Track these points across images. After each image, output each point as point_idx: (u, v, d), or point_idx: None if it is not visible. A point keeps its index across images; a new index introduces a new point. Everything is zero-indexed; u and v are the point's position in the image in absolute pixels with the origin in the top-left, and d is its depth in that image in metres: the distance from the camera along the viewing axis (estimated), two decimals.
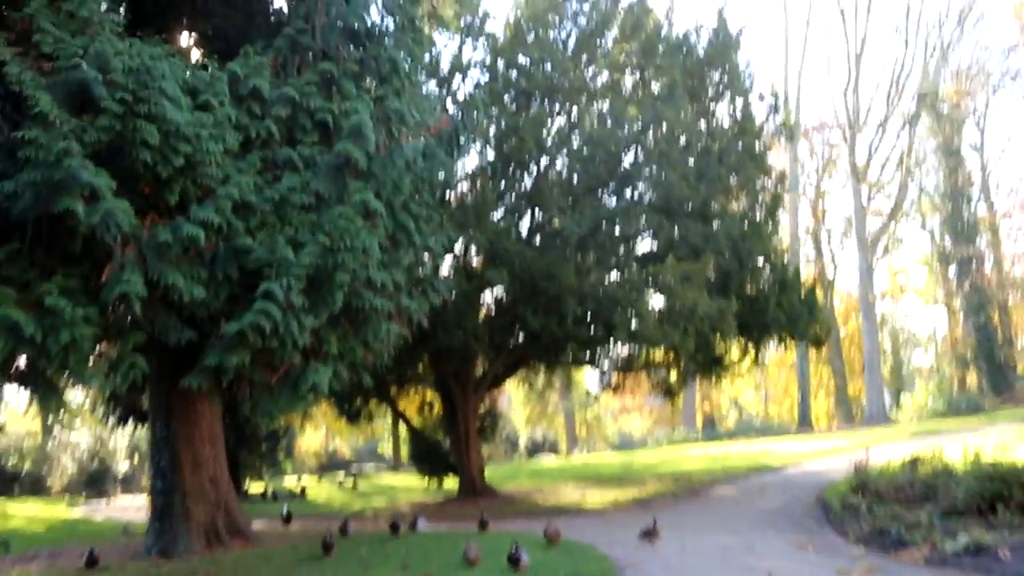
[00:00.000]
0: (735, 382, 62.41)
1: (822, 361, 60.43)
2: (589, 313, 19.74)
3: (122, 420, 19.22)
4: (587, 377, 46.77)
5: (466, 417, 22.91)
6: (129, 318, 10.33)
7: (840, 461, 27.95)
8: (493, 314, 22.31)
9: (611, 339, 20.45)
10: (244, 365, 10.66)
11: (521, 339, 22.99)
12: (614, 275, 20.64)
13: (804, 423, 51.30)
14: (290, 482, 34.05)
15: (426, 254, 12.29)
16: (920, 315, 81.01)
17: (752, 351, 24.00)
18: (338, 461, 56.71)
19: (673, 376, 26.74)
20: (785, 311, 22.05)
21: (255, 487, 30.19)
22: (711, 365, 24.85)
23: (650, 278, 19.37)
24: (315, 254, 10.59)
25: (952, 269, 59.09)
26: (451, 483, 24.44)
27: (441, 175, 14.10)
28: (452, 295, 19.34)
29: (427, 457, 24.56)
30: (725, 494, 21.42)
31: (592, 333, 20.26)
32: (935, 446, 23.73)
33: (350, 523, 16.40)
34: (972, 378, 60.28)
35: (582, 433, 64.42)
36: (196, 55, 14.22)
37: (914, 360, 77.24)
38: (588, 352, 23.57)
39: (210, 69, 11.12)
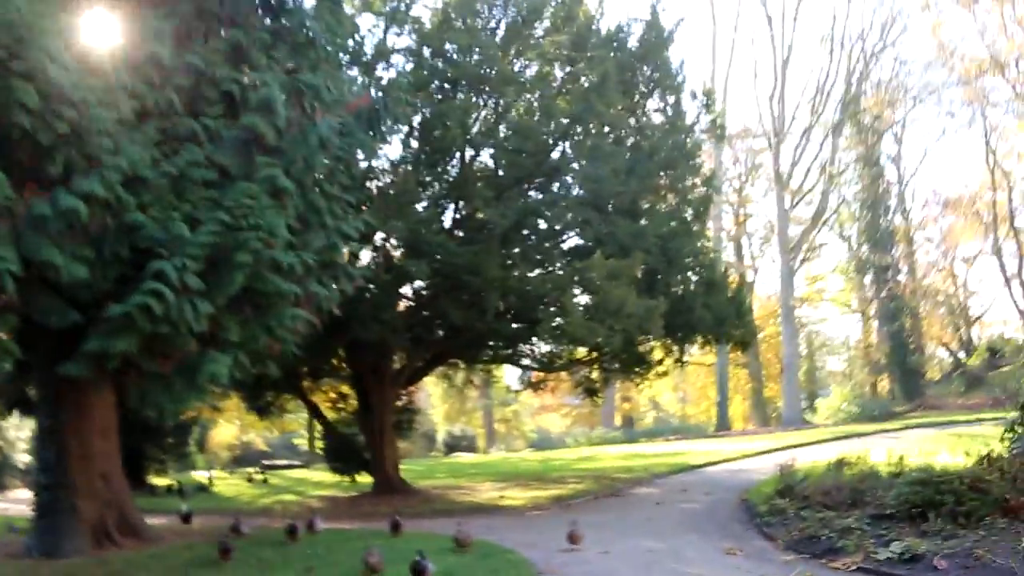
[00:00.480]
0: (654, 383, 62.42)
1: (739, 364, 60.58)
2: (512, 309, 18.98)
3: (8, 409, 17.80)
4: (508, 374, 46.22)
5: (382, 412, 21.91)
6: (3, 299, 9.22)
7: (760, 462, 27.68)
8: (413, 307, 21.39)
9: (534, 336, 19.64)
10: (132, 352, 9.61)
11: (442, 334, 22.14)
12: (539, 271, 19.86)
13: (722, 425, 51.25)
14: (199, 476, 32.56)
15: (340, 238, 11.30)
16: (834, 322, 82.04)
17: (676, 352, 23.44)
18: (252, 454, 55.11)
19: (595, 375, 26.11)
20: (712, 312, 21.48)
21: (161, 480, 28.77)
22: (635, 365, 24.25)
23: (577, 275, 18.62)
24: (214, 232, 9.59)
25: (868, 278, 59.74)
26: (366, 479, 23.43)
27: (360, 157, 13.18)
28: (371, 287, 18.41)
29: (340, 453, 23.50)
30: (647, 494, 20.80)
31: (515, 329, 19.50)
32: (856, 449, 23.60)
33: (245, 523, 15.33)
34: (884, 384, 61.01)
35: (501, 430, 63.65)
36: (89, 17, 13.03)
37: (828, 365, 78.19)
38: (510, 349, 22.82)
39: (103, 31, 10.03)
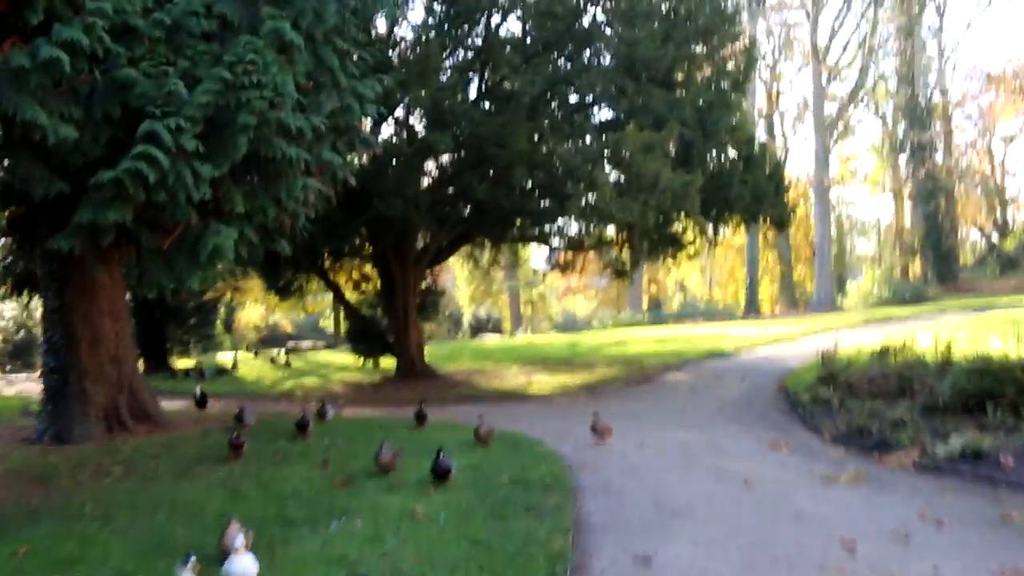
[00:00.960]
0: (683, 264, 61.32)
1: (768, 246, 59.33)
2: (540, 184, 17.88)
3: (15, 290, 17.03)
4: (534, 256, 45.24)
5: (405, 294, 21.07)
6: None
7: (795, 347, 26.77)
8: (437, 183, 20.32)
9: (563, 214, 18.53)
10: (127, 224, 8.65)
11: (467, 212, 21.13)
12: (569, 144, 18.64)
13: (751, 308, 50.28)
14: (224, 358, 32.08)
15: (355, 100, 10.14)
16: (865, 204, 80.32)
17: (711, 231, 22.32)
18: (279, 336, 54.93)
19: (625, 256, 25.09)
20: (750, 189, 20.31)
21: (183, 363, 28.31)
22: (667, 245, 23.20)
23: (608, 148, 17.44)
24: (214, 91, 8.49)
25: (903, 157, 57.90)
26: (389, 363, 22.74)
27: (380, 15, 11.93)
28: (392, 161, 17.33)
29: (363, 335, 22.77)
30: (679, 381, 20.01)
31: (543, 206, 18.43)
32: (892, 334, 22.68)
33: (259, 408, 14.73)
34: (916, 267, 59.77)
35: (527, 313, 62.96)
36: None
37: (858, 248, 76.74)
38: (537, 228, 21.79)
39: None
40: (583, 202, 17.48)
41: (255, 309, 56.25)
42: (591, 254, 26.66)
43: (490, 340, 43.08)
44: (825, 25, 51.69)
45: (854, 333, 30.00)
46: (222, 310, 54.65)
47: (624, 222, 18.66)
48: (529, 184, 17.62)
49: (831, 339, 28.23)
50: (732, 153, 20.72)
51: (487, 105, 18.94)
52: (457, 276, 66.62)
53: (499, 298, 64.90)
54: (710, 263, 66.21)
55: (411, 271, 21.00)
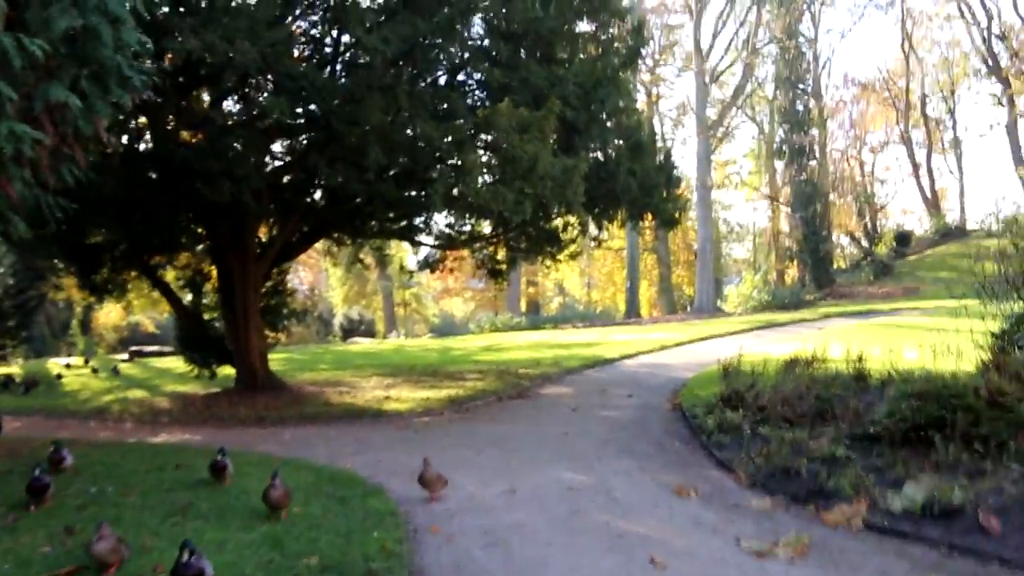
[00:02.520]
0: (562, 266, 58.99)
1: (647, 249, 57.52)
2: (402, 169, 14.82)
3: None
4: (409, 254, 42.06)
5: (245, 293, 17.67)
6: None
7: (681, 355, 24.40)
8: (282, 166, 17.07)
9: (428, 205, 15.39)
10: None
11: (318, 199, 17.94)
12: (434, 123, 15.60)
13: (632, 312, 48.12)
14: (59, 364, 27.90)
15: (103, 22, 6.91)
16: (740, 209, 79.80)
17: (594, 228, 19.67)
18: (140, 337, 50.43)
19: (501, 255, 22.26)
20: (638, 180, 17.68)
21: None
22: (546, 243, 20.45)
23: (480, 127, 14.49)
24: None
25: (780, 164, 56.87)
26: (231, 371, 19.29)
27: None
28: (217, 135, 14.03)
29: (194, 341, 19.19)
30: (559, 395, 17.22)
31: (405, 195, 15.32)
32: (785, 340, 20.63)
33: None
34: (792, 272, 58.85)
35: (401, 314, 59.50)
36: None
37: (733, 253, 76.02)
38: (402, 221, 18.70)
39: None
40: (450, 189, 14.49)
41: (113, 309, 51.46)
42: (464, 253, 23.81)
43: (360, 344, 39.78)
44: (707, 26, 50.04)
45: (742, 339, 27.88)
46: (78, 309, 49.91)
47: (498, 214, 15.78)
48: (386, 166, 14.53)
49: (718, 346, 26.12)
50: (619, 141, 18.06)
51: (339, 70, 15.80)
52: (330, 275, 62.97)
53: (374, 299, 61.49)
54: (589, 265, 64.17)
55: (252, 268, 17.58)
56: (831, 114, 59.22)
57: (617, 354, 24.16)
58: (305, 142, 15.89)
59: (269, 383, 18.30)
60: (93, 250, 17.78)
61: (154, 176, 15.08)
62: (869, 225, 60.75)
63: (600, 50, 18.23)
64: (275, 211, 17.23)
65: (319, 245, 27.49)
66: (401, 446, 12.04)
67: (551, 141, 14.93)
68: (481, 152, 14.97)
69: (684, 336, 28.89)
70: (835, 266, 55.53)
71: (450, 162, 14.31)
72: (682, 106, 58.87)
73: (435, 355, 27.22)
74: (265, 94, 14.88)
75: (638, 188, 17.75)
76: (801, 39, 52.05)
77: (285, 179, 16.94)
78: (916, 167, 64.44)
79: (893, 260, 54.32)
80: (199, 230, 18.15)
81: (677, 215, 19.81)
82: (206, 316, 20.08)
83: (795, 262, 55.21)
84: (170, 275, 20.32)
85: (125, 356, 28.41)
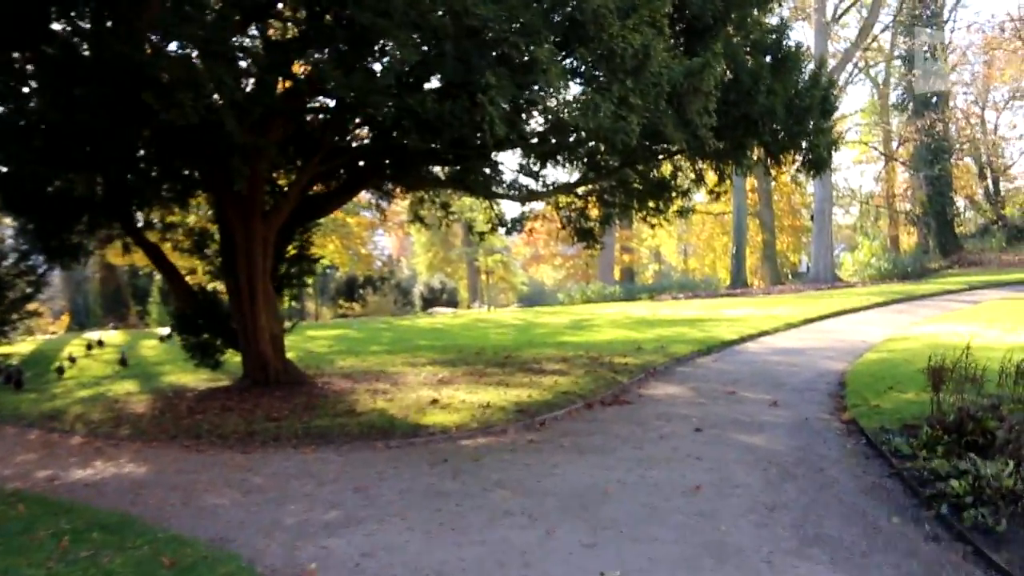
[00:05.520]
0: (663, 228, 52.88)
1: (750, 212, 51.15)
2: (440, 69, 9.57)
3: None
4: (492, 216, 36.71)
5: (251, 260, 12.64)
6: None
7: (817, 335, 18.95)
8: (293, 87, 12.00)
9: (483, 126, 9.91)
10: None
11: (347, 138, 12.92)
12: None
13: (738, 282, 42.02)
14: (84, 341, 23.02)
15: None
16: (847, 171, 72.39)
17: (720, 171, 14.19)
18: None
19: (593, 211, 16.96)
20: (783, 103, 12.15)
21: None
22: (649, 195, 15.12)
23: (556, 3, 9.19)
24: None
25: (895, 122, 49.95)
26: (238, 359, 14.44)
27: None
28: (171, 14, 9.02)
29: (193, 320, 14.29)
30: (670, 399, 11.89)
31: (444, 109, 9.84)
32: (940, 318, 15.46)
33: None
34: (910, 238, 52.11)
35: (486, 282, 53.96)
36: None
37: (837, 219, 68.89)
38: (454, 161, 13.42)
39: None
40: (515, 105, 9.22)
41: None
42: (550, 211, 18.59)
43: (436, 316, 34.86)
44: None
45: (881, 315, 22.24)
46: (157, 276, 45.96)
47: (586, 147, 10.52)
48: (423, 72, 9.41)
49: (855, 324, 20.40)
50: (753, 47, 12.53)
51: None
52: (415, 241, 58.34)
53: (459, 267, 56.65)
54: (686, 230, 58.03)
55: (257, 226, 12.52)
56: (954, 66, 51.67)
57: (734, 334, 18.73)
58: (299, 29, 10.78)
59: (284, 376, 13.35)
60: (67, 203, 12.98)
61: (97, 89, 10.06)
62: (991, 187, 53.29)
63: None
64: (290, 152, 12.17)
65: (400, 203, 22.44)
66: (421, 512, 6.91)
67: (665, 31, 9.60)
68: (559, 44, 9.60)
69: (809, 311, 23.22)
70: (960, 230, 48.53)
71: (515, 59, 9.03)
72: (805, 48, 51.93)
73: (512, 333, 22.05)
74: None
75: (784, 113, 12.23)
76: None
77: (298, 100, 11.88)
78: None
79: None
80: (189, 173, 13.16)
81: (828, 154, 14.14)
82: (210, 287, 15.11)
83: (916, 227, 48.46)
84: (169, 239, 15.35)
85: (167, 331, 23.35)
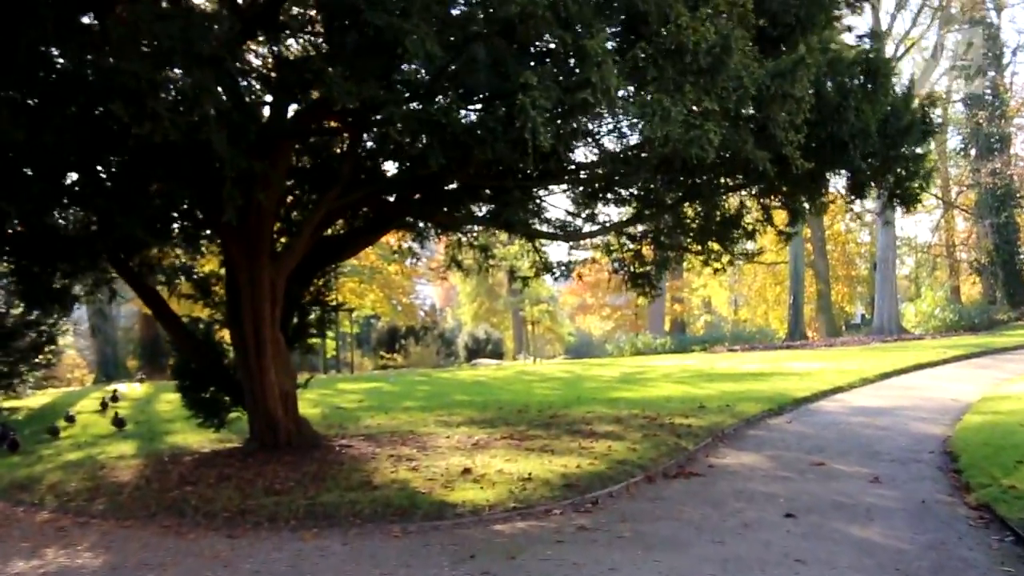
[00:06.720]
0: (710, 280, 50.81)
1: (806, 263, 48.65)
2: (465, 65, 7.77)
3: None
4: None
5: (257, 305, 10.82)
6: None
7: (897, 391, 16.77)
8: (311, 106, 10.28)
9: (518, 135, 7.96)
10: None
11: (381, 170, 11.17)
12: None
13: (796, 333, 39.56)
14: (102, 393, 20.90)
15: None
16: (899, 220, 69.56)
17: (797, 203, 12.19)
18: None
19: (647, 252, 15.03)
20: (875, 119, 10.19)
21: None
22: (719, 233, 13.19)
23: None
24: None
25: (952, 170, 47.49)
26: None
27: None
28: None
29: (196, 374, 12.45)
30: (747, 470, 9.79)
31: (485, 117, 7.94)
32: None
33: None
34: (973, 288, 49.34)
35: (531, 333, 51.67)
36: None
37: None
38: (500, 194, 11.60)
39: None
40: (559, 107, 7.37)
41: None
42: (600, 259, 16.75)
43: (479, 368, 32.93)
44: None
45: (963, 371, 20.00)
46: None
47: (650, 147, 8.64)
48: (445, 70, 7.65)
49: (938, 380, 18.20)
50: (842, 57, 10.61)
51: None
52: (460, 292, 56.71)
53: (505, 317, 54.76)
54: (737, 280, 55.59)
55: (263, 266, 10.79)
56: (1018, 108, 49.10)
57: (807, 390, 16.60)
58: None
59: (297, 438, 11.44)
60: (56, 242, 11.30)
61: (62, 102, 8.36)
62: None
63: None
64: (271, 170, 10.34)
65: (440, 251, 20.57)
66: None
67: (741, 26, 7.75)
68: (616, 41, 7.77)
69: (882, 365, 20.99)
70: None
71: (560, 54, 7.21)
72: None
73: (559, 388, 20.05)
74: None
75: (876, 135, 10.26)
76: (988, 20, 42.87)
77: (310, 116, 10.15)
78: None
79: None
80: (190, 208, 11.40)
81: (921, 187, 12.08)
82: (218, 336, 13.26)
83: (980, 276, 45.79)
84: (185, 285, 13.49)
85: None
